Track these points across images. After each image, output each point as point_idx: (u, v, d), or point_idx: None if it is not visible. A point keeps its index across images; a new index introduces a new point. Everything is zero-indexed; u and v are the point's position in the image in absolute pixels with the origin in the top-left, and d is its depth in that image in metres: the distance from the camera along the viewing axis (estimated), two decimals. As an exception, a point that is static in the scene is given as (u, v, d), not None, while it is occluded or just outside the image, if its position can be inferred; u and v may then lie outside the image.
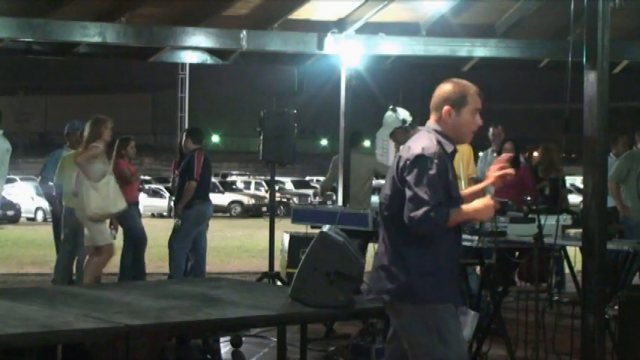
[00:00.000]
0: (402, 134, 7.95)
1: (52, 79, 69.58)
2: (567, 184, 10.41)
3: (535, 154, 11.35)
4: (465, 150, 8.85)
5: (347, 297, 5.62)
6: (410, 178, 4.21)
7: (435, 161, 4.21)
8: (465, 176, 8.49)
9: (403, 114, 7.92)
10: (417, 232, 4.23)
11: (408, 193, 4.21)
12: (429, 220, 4.14)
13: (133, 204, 10.50)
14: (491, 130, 11.07)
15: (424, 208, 4.14)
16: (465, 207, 4.35)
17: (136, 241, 10.43)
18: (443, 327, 4.39)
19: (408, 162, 4.26)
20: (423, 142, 4.29)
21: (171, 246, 10.15)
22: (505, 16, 11.23)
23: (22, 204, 30.48)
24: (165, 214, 32.29)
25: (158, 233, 12.71)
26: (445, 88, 4.39)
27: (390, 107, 7.97)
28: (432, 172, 4.19)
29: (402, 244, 4.36)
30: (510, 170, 4.46)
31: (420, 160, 4.22)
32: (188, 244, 10.13)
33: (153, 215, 31.84)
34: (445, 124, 4.35)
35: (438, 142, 4.30)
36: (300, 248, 9.17)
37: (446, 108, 4.33)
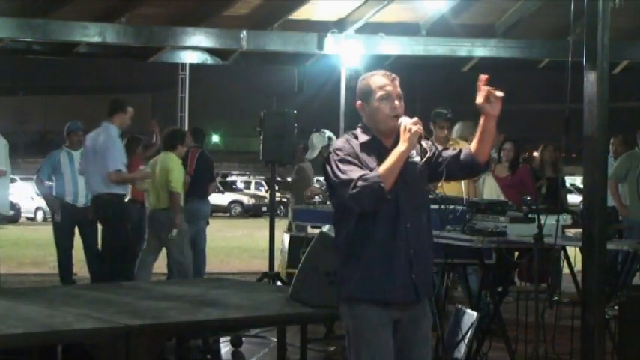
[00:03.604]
0: None
1: (52, 79, 69.54)
2: (567, 184, 10.39)
3: (535, 154, 11.37)
4: (464, 150, 8.83)
5: (347, 297, 5.60)
6: (330, 174, 4.24)
7: (339, 151, 4.24)
8: (464, 176, 8.44)
9: (328, 133, 8.01)
10: (362, 204, 4.15)
11: (336, 183, 4.21)
12: (362, 187, 4.10)
13: (144, 205, 10.53)
14: None
15: (353, 183, 4.12)
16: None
17: (136, 242, 10.42)
18: (358, 332, 4.25)
19: (324, 166, 4.31)
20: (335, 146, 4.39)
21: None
22: (505, 16, 11.23)
23: (22, 204, 30.46)
24: (165, 213, 32.21)
25: (158, 233, 12.68)
26: (357, 86, 4.42)
27: (314, 130, 8.06)
28: (342, 157, 4.22)
29: (335, 237, 4.39)
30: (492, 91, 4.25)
31: (329, 157, 4.28)
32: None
33: (153, 215, 31.79)
34: (363, 118, 4.37)
35: (349, 138, 4.33)
36: (300, 248, 9.17)
37: (357, 103, 4.37)
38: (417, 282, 4.26)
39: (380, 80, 4.30)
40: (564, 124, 5.89)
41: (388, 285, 4.22)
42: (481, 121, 4.35)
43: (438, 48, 11.09)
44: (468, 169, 4.41)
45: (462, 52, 11.19)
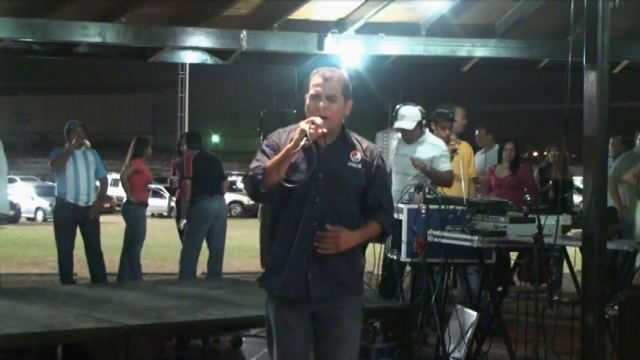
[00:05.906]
0: None
1: (52, 79, 69.60)
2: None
3: (535, 154, 11.37)
4: (465, 150, 8.85)
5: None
6: None
7: (264, 141, 4.36)
8: (465, 176, 8.46)
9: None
10: (248, 194, 4.33)
11: None
12: (248, 177, 4.21)
13: (143, 204, 10.53)
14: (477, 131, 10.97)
15: (247, 172, 4.26)
16: None
17: (134, 241, 10.42)
18: (270, 326, 4.29)
19: None
20: None
21: (182, 248, 10.16)
22: (505, 16, 11.23)
23: (22, 204, 30.50)
24: (165, 214, 32.26)
25: (158, 233, 12.71)
26: None
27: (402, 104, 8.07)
28: (262, 147, 4.33)
29: None
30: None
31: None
32: (197, 245, 10.07)
33: (153, 215, 31.84)
34: None
35: (288, 128, 4.38)
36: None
37: (305, 97, 4.42)
38: (312, 282, 4.16)
39: (315, 79, 4.34)
40: (564, 124, 5.89)
41: (281, 281, 4.19)
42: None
43: (438, 48, 11.09)
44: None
45: (462, 52, 11.19)
